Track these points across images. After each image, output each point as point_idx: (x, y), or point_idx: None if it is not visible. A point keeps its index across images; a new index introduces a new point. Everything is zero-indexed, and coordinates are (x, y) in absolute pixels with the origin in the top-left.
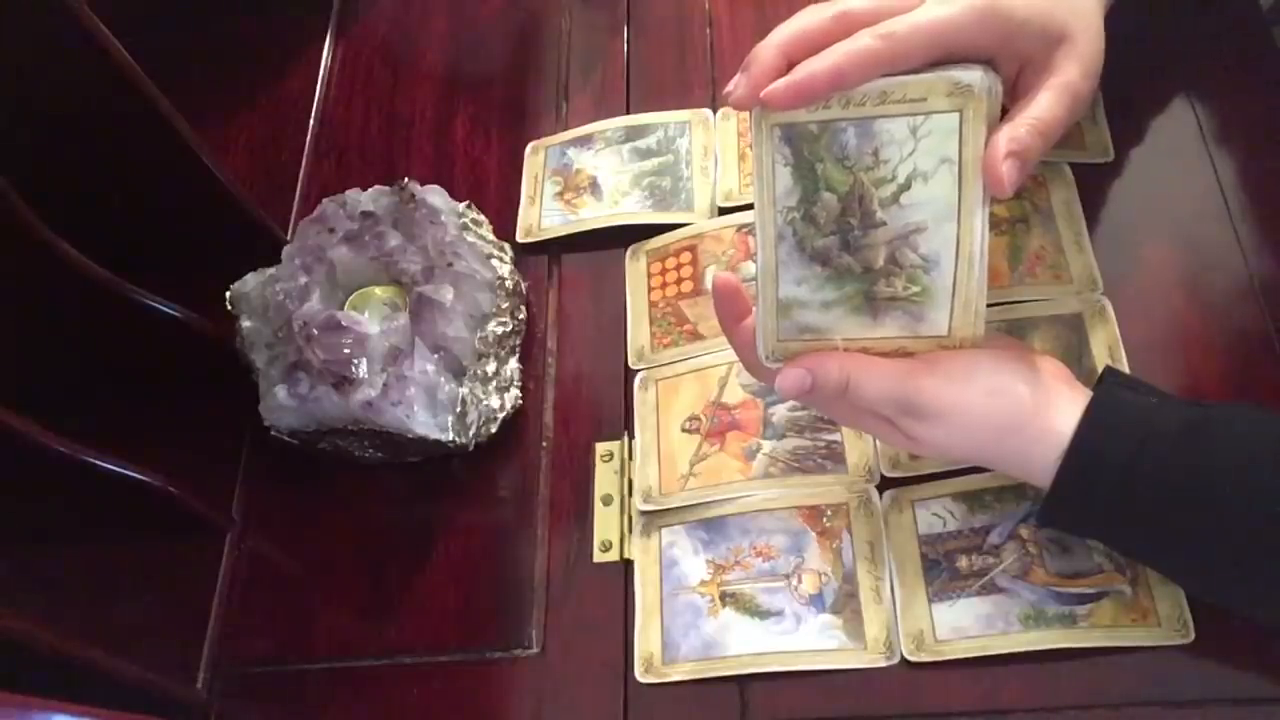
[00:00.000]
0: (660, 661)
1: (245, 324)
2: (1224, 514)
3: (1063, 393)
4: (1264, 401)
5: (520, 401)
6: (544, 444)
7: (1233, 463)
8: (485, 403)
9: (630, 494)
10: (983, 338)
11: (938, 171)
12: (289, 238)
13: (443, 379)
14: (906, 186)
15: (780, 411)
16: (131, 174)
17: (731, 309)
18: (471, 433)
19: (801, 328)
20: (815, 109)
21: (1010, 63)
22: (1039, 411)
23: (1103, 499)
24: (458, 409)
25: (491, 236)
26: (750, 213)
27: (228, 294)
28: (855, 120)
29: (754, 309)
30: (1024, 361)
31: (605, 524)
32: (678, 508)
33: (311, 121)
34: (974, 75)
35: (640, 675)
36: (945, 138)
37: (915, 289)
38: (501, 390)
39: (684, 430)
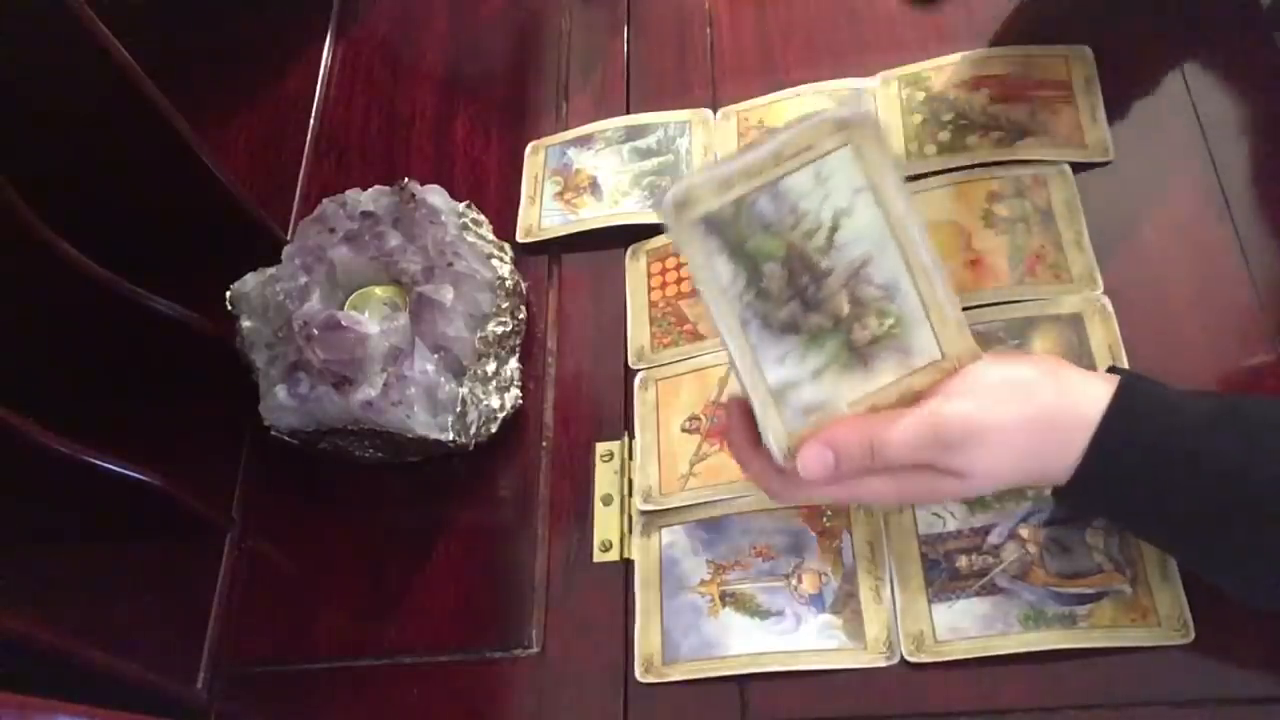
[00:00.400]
0: (660, 661)
1: (245, 324)
2: (1237, 502)
3: (1075, 378)
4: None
5: (520, 401)
6: (544, 444)
7: (1258, 453)
8: (485, 403)
9: (630, 494)
10: (976, 349)
11: (856, 203)
12: (289, 238)
13: (443, 379)
14: (835, 227)
15: None
16: (131, 174)
17: (749, 431)
18: (471, 433)
19: (804, 409)
20: (722, 192)
21: None
22: (1066, 397)
23: (1130, 481)
24: (458, 409)
25: (491, 236)
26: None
27: (228, 294)
28: (762, 187)
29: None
30: (1027, 360)
31: (605, 524)
32: (678, 508)
33: (311, 121)
34: (847, 110)
35: (640, 675)
36: (849, 171)
37: (889, 320)
38: (501, 390)
39: (684, 430)
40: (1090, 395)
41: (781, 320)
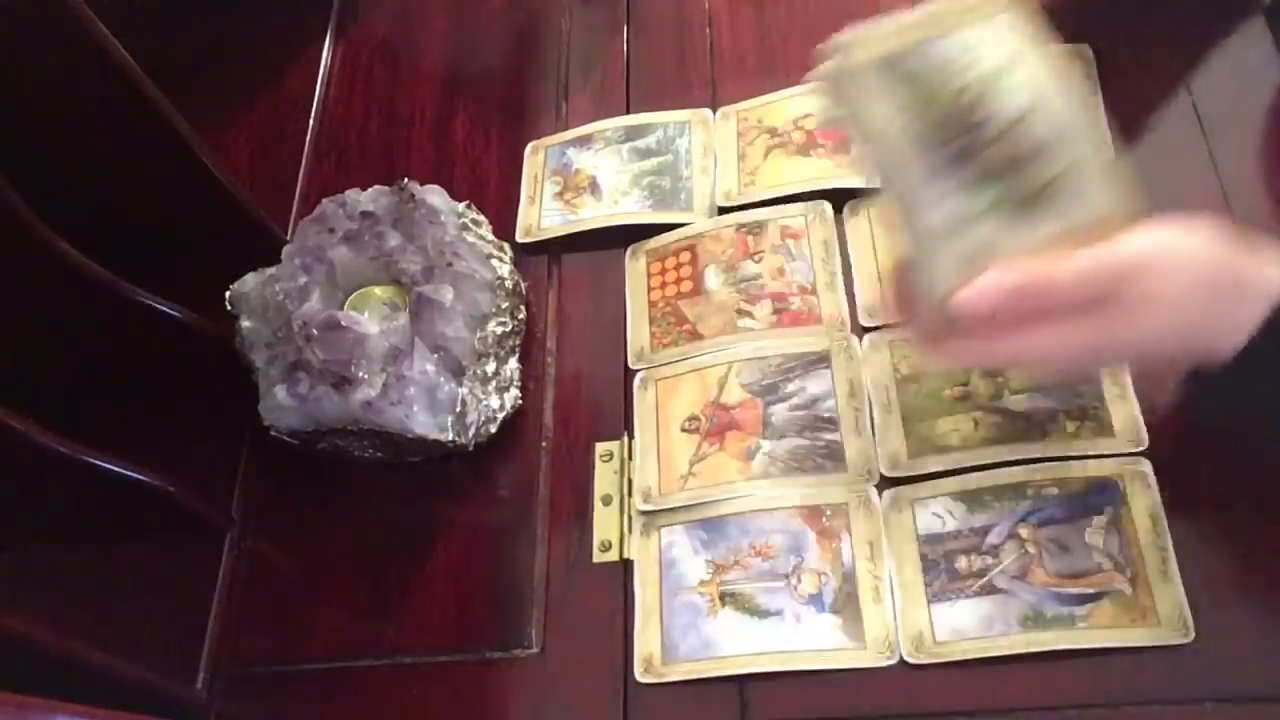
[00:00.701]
0: (660, 661)
1: (245, 324)
2: None
3: (1260, 247)
4: None
5: (520, 401)
6: (544, 444)
7: None
8: (485, 403)
9: (630, 494)
10: (1137, 208)
11: (1012, 65)
12: (289, 238)
13: (442, 379)
14: (995, 83)
15: (780, 411)
16: (131, 174)
17: (913, 292)
18: (471, 433)
19: (968, 253)
20: (886, 44)
21: None
22: (1250, 257)
23: None
24: (457, 409)
25: (491, 236)
26: (761, 210)
27: (228, 294)
28: (924, 43)
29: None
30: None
31: (605, 524)
32: (677, 508)
33: (311, 121)
34: None
35: (640, 675)
36: (1002, 37)
37: (1050, 172)
38: (501, 390)
39: (683, 430)
40: (1277, 266)
41: (946, 161)
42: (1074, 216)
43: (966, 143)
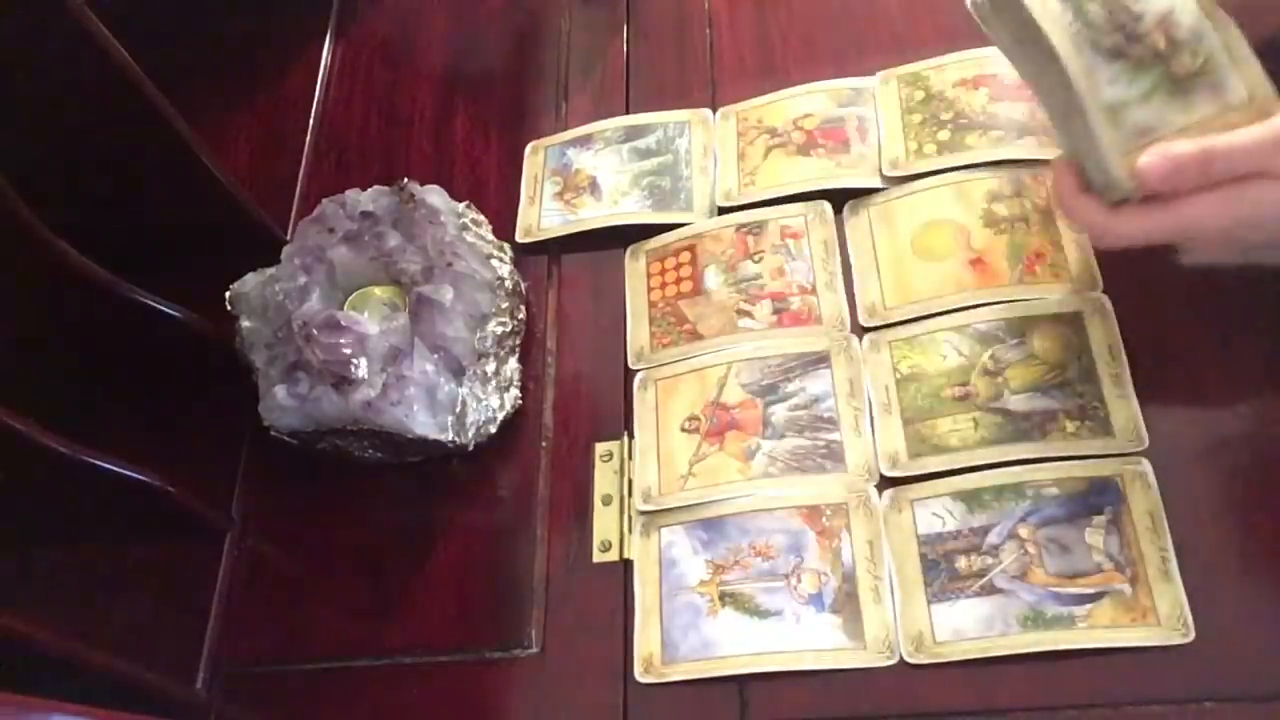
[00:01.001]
0: (660, 661)
1: (245, 324)
2: None
3: None
4: (1265, 397)
5: (520, 401)
6: (544, 444)
7: None
8: (485, 403)
9: (630, 494)
10: (1276, 99)
11: None
12: (289, 238)
13: (442, 379)
14: None
15: (780, 411)
16: (131, 174)
17: (1074, 178)
18: (471, 433)
19: (1136, 131)
20: None
21: None
22: None
23: None
24: (457, 409)
25: (491, 236)
26: (761, 210)
27: (228, 294)
28: None
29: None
30: None
31: (605, 524)
32: (677, 508)
33: (311, 121)
34: None
35: (640, 675)
36: None
37: (1202, 59)
38: (501, 390)
39: (683, 430)
40: None
41: (1109, 46)
42: (1226, 98)
43: (1126, 33)
